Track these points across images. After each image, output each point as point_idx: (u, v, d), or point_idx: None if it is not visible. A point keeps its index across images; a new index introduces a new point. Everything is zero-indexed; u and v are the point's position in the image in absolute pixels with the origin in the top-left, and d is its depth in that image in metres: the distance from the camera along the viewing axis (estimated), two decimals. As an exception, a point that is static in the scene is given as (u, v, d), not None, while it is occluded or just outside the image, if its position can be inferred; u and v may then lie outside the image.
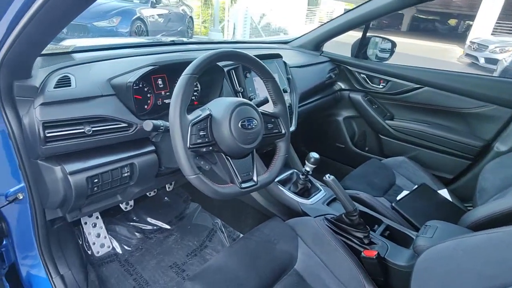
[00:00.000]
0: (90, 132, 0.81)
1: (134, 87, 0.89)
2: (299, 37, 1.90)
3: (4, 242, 1.00)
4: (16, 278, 1.00)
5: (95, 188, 0.87)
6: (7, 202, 0.87)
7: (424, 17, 21.22)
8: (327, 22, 1.79)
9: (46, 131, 0.75)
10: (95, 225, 1.36)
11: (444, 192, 1.36)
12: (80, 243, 1.32)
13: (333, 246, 0.93)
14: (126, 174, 0.92)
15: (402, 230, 1.05)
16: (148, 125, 0.78)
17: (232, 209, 1.56)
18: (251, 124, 0.80)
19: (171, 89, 1.02)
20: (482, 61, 7.86)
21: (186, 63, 0.78)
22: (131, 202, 1.52)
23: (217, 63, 1.05)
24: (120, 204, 1.40)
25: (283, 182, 1.27)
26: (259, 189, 0.86)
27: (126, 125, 0.89)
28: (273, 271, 0.88)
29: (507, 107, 1.43)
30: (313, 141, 2.13)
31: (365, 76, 1.81)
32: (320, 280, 0.89)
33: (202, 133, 0.75)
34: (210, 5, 8.97)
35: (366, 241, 0.97)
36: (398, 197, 1.28)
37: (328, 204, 1.19)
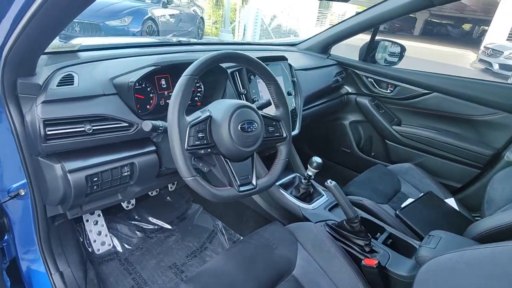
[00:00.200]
0: (90, 131, 0.82)
1: (136, 87, 0.89)
2: (306, 40, 1.89)
3: (6, 237, 1.01)
4: (17, 273, 1.02)
5: (95, 187, 0.87)
6: (9, 197, 0.88)
7: (437, 21, 20.92)
8: (336, 24, 1.77)
9: (47, 129, 0.76)
10: (96, 223, 1.36)
11: (451, 201, 1.32)
12: (81, 240, 1.33)
13: (333, 253, 0.91)
14: (126, 174, 0.92)
15: (405, 239, 1.02)
16: (147, 125, 0.78)
17: (233, 212, 1.55)
18: (251, 127, 0.79)
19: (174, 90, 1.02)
20: (496, 67, 7.71)
21: (189, 64, 0.77)
22: (133, 201, 1.52)
23: (221, 65, 1.05)
24: (122, 203, 1.40)
25: (285, 186, 1.25)
26: (258, 193, 0.85)
27: (127, 124, 0.89)
28: (271, 277, 0.87)
29: (519, 115, 1.39)
30: (318, 145, 2.11)
31: (372, 80, 1.78)
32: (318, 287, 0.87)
33: (200, 135, 0.74)
34: (222, 6, 9.00)
35: (367, 249, 0.95)
36: (403, 205, 1.25)
37: (330, 210, 1.17)
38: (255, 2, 8.52)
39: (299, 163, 1.44)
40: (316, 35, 1.87)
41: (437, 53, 10.99)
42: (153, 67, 0.93)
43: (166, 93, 1.02)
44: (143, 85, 0.97)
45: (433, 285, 0.67)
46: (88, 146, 0.84)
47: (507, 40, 9.97)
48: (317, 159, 1.14)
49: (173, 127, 0.71)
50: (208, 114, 0.77)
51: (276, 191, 1.21)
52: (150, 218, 1.56)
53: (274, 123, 0.90)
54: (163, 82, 1.02)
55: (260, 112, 0.86)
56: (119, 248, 1.40)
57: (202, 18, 7.44)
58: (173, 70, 1.01)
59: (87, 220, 1.35)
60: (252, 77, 1.21)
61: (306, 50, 1.86)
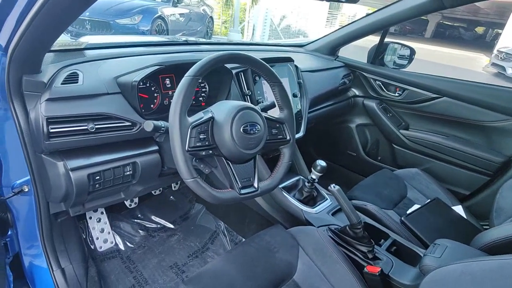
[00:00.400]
0: (93, 130, 0.82)
1: (140, 86, 0.89)
2: (314, 41, 1.87)
3: (9, 233, 1.02)
4: (19, 268, 1.03)
5: (97, 185, 0.87)
6: (13, 193, 0.89)
7: (450, 23, 20.60)
8: (344, 26, 1.75)
9: (50, 127, 0.76)
10: (99, 220, 1.37)
11: (458, 209, 1.29)
12: (84, 237, 1.34)
13: (335, 258, 0.90)
14: (128, 173, 0.92)
15: (410, 247, 1.00)
16: (149, 125, 0.78)
17: (236, 213, 1.54)
18: (254, 129, 0.78)
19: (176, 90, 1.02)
20: (509, 71, 7.56)
21: (193, 64, 0.76)
22: (136, 200, 1.53)
23: (226, 65, 1.04)
24: (125, 201, 1.41)
25: (288, 189, 1.24)
26: (259, 196, 0.84)
27: (130, 124, 0.89)
28: (271, 281, 0.86)
29: (532, 122, 1.36)
30: (324, 147, 2.09)
31: (380, 83, 1.76)
32: None
33: (202, 136, 0.73)
34: (231, 6, 9.02)
35: (370, 255, 0.93)
36: (409, 211, 1.22)
37: (333, 214, 1.15)
38: (264, 2, 8.51)
39: (303, 166, 1.42)
40: (324, 36, 1.85)
41: (448, 56, 10.82)
42: (157, 67, 0.92)
43: (170, 92, 1.02)
44: (147, 85, 0.97)
45: None
46: (91, 144, 0.84)
47: (521, 43, 9.75)
48: (321, 163, 1.12)
49: (174, 128, 0.70)
50: (210, 115, 0.76)
51: (279, 194, 1.20)
52: (153, 217, 1.56)
53: (277, 125, 0.89)
54: (167, 81, 1.02)
55: (263, 114, 0.84)
56: (121, 246, 1.40)
57: (211, 17, 7.46)
58: (178, 70, 1.00)
59: (90, 217, 1.36)
60: (257, 78, 1.20)
61: (313, 51, 1.84)
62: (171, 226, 1.56)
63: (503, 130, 1.43)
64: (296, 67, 1.40)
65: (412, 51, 1.72)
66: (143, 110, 0.93)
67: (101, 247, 1.36)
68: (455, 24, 20.55)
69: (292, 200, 1.18)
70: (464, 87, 1.51)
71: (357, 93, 1.88)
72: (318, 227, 1.06)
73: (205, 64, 0.75)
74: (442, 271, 0.67)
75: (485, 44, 15.45)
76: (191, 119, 0.74)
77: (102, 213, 1.39)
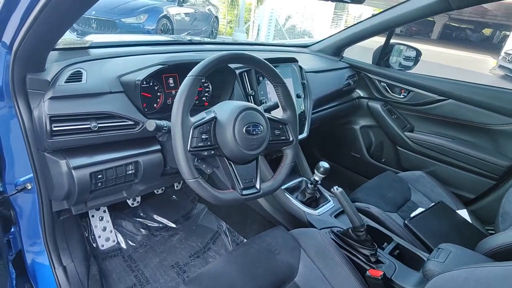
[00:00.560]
0: (96, 128, 0.82)
1: (143, 85, 0.89)
2: (319, 41, 1.86)
3: (12, 230, 1.03)
4: (22, 265, 1.03)
5: (99, 184, 0.87)
6: (16, 191, 0.90)
7: (456, 25, 20.40)
8: (349, 27, 1.74)
9: (53, 125, 0.76)
10: (102, 219, 1.38)
11: (463, 213, 1.27)
12: (86, 235, 1.34)
13: (337, 261, 0.89)
14: (130, 172, 0.92)
15: (413, 251, 0.99)
16: (151, 125, 0.78)
17: (238, 213, 1.54)
18: (256, 130, 0.77)
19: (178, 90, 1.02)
20: (517, 73, 7.46)
21: (197, 63, 0.76)
22: (138, 199, 1.53)
23: (229, 65, 1.04)
24: (127, 200, 1.41)
25: (291, 190, 1.23)
26: (261, 197, 0.83)
27: (133, 123, 0.89)
28: (272, 282, 0.85)
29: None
30: (327, 149, 2.08)
31: (385, 85, 1.74)
32: None
33: (204, 136, 0.73)
34: (236, 6, 9.02)
35: (372, 259, 0.92)
36: (412, 214, 1.21)
37: (336, 217, 1.14)
38: (270, 2, 8.49)
39: (306, 167, 1.41)
40: (329, 36, 1.84)
41: (455, 58, 10.73)
42: (160, 66, 0.92)
43: (173, 92, 1.02)
44: (151, 84, 0.97)
45: None
46: (93, 143, 0.84)
47: (529, 46, 9.64)
48: (324, 164, 1.11)
49: (177, 128, 0.70)
50: (213, 115, 0.76)
51: (282, 195, 1.20)
52: (155, 216, 1.56)
53: (280, 126, 0.89)
54: (171, 81, 1.02)
55: (266, 114, 0.84)
56: (123, 245, 1.40)
57: (216, 17, 7.48)
58: (181, 69, 1.00)
59: (93, 216, 1.37)
60: (260, 78, 1.20)
61: (318, 52, 1.83)
62: (173, 225, 1.56)
63: (510, 133, 1.41)
64: (300, 67, 1.39)
65: (418, 53, 1.71)
66: (146, 109, 0.93)
67: (103, 246, 1.37)
68: (462, 26, 20.36)
69: (294, 202, 1.18)
70: (470, 89, 1.49)
71: (361, 94, 1.87)
72: (320, 229, 1.05)
73: (207, 64, 0.75)
74: (446, 277, 0.66)
75: (492, 46, 15.29)
76: (193, 119, 0.73)
77: (104, 211, 1.39)
